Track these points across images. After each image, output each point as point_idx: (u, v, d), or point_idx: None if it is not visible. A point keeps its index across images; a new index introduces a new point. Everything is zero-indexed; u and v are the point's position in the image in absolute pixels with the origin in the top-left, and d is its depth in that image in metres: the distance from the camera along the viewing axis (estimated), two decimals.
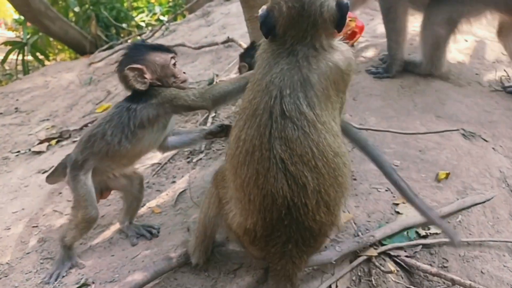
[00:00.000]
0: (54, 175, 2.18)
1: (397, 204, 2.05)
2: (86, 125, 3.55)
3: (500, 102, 2.66)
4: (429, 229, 1.95)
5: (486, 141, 2.40)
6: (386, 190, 2.14)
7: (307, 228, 1.41)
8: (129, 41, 6.23)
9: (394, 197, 2.10)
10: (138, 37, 6.28)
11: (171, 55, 1.93)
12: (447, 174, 2.18)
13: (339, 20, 1.43)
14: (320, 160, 1.36)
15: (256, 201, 1.40)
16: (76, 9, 7.91)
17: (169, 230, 2.06)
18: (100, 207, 2.33)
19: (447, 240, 1.88)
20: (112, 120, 1.91)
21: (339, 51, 1.46)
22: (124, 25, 8.38)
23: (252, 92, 1.46)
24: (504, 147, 2.36)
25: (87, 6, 7.86)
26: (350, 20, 1.79)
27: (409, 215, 1.98)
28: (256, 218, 1.42)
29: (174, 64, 1.93)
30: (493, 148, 2.36)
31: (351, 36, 1.69)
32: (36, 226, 2.30)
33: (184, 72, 1.98)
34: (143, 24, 8.86)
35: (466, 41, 3.21)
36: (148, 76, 1.86)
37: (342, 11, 1.43)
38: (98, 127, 1.93)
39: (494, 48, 3.16)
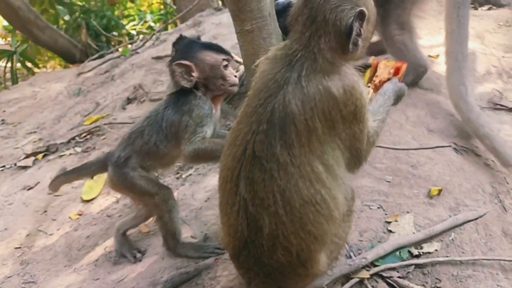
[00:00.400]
0: (84, 172, 2.07)
1: (389, 222, 2.02)
2: (73, 138, 3.49)
3: (492, 116, 2.65)
4: (421, 248, 1.91)
5: (478, 155, 2.38)
6: (378, 208, 2.10)
7: (266, 264, 1.35)
8: (119, 49, 6.18)
9: (386, 214, 2.07)
10: (129, 46, 6.23)
11: (223, 56, 1.88)
12: (440, 190, 2.15)
13: (348, 30, 1.24)
14: (281, 208, 1.26)
15: (225, 226, 1.41)
16: (66, 17, 7.84)
17: (157, 251, 2.00)
18: (86, 227, 2.28)
19: (440, 259, 1.86)
20: (150, 117, 1.88)
21: (339, 74, 1.27)
22: (115, 33, 8.33)
23: (243, 111, 1.37)
24: (496, 162, 2.34)
25: (77, 14, 7.81)
26: (387, 61, 1.77)
27: (402, 234, 1.95)
28: (227, 239, 1.42)
29: (226, 66, 1.88)
30: (485, 163, 2.34)
31: (396, 73, 1.67)
32: (19, 248, 2.23)
33: (235, 76, 1.92)
34: (134, 32, 8.83)
35: None
36: (195, 74, 1.82)
37: (355, 21, 1.24)
38: (139, 124, 1.91)
39: (484, 60, 3.16)
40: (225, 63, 1.88)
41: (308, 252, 1.35)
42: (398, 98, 1.70)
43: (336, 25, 1.26)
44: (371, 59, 1.83)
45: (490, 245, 1.98)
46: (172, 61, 1.85)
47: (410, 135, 2.49)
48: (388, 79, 1.72)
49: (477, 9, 4.02)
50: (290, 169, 1.25)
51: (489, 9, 3.99)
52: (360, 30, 1.27)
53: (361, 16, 1.26)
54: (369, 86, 1.75)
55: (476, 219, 2.05)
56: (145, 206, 2.01)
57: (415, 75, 2.82)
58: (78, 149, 3.25)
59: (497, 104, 2.71)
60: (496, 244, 1.99)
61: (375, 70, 1.77)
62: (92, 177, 2.13)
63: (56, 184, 2.14)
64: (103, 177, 2.40)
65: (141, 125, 1.91)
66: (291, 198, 1.26)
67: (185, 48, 1.89)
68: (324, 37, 1.27)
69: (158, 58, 4.38)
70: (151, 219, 2.24)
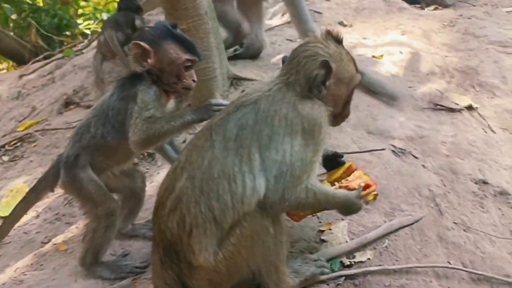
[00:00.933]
0: (42, 187, 1.89)
1: (322, 231, 1.93)
2: (3, 146, 3.23)
3: (432, 116, 2.63)
4: (353, 257, 1.83)
5: (416, 157, 2.34)
6: (313, 215, 2.01)
7: (163, 232, 1.41)
8: (74, 48, 5.87)
9: (320, 222, 1.98)
10: (82, 44, 5.92)
11: (189, 56, 1.70)
12: (375, 196, 2.08)
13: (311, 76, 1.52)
14: (201, 172, 1.38)
15: None
16: (14, 16, 7.42)
17: (71, 272, 1.82)
18: None
19: (371, 269, 1.78)
20: (96, 108, 1.76)
21: (311, 101, 1.51)
22: (68, 33, 7.98)
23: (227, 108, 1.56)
24: (434, 163, 2.31)
25: (26, 13, 7.40)
26: (364, 174, 1.77)
27: (334, 243, 1.86)
28: None
29: (187, 67, 1.72)
30: (422, 165, 2.29)
31: (364, 188, 1.67)
32: None
33: (194, 80, 1.76)
34: (88, 31, 8.47)
35: (401, 53, 3.18)
36: (151, 61, 1.68)
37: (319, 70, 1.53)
38: (86, 117, 1.79)
39: (428, 59, 3.15)
40: (187, 63, 1.71)
41: (201, 231, 1.36)
42: (348, 209, 1.66)
43: (306, 71, 1.54)
44: (349, 163, 1.84)
45: (425, 251, 1.92)
46: (134, 38, 1.73)
47: (350, 138, 2.42)
48: (353, 190, 1.67)
49: (423, 9, 4.04)
50: (230, 145, 1.41)
51: (435, 9, 4.03)
52: (325, 80, 1.53)
53: (324, 67, 1.51)
54: (334, 184, 1.76)
55: (411, 224, 1.99)
56: (85, 214, 1.84)
57: (234, 37, 3.16)
58: (6, 158, 3.00)
59: (438, 104, 2.69)
60: (431, 250, 1.93)
61: (349, 174, 1.77)
62: (53, 190, 1.90)
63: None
64: (21, 192, 2.20)
65: (87, 118, 1.77)
66: (215, 167, 1.38)
67: (155, 30, 1.73)
68: (301, 78, 1.54)
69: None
70: (64, 235, 2.07)
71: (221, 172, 1.37)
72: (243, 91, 2.89)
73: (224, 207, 1.36)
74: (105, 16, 9.08)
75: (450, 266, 1.86)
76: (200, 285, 1.43)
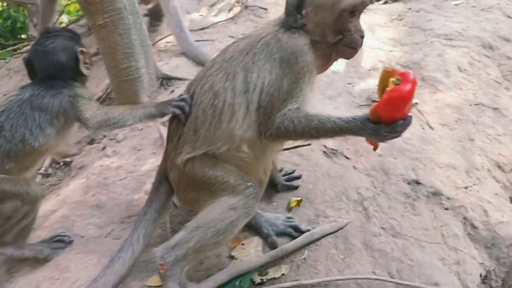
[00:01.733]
0: None
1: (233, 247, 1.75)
2: None
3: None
4: (267, 273, 1.66)
5: (348, 158, 2.18)
6: None
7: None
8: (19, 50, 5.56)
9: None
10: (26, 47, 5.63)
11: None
12: (299, 201, 1.92)
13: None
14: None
15: None
16: None
17: None
18: None
19: (285, 285, 1.61)
20: (9, 110, 1.64)
21: (291, 34, 1.56)
22: (23, 36, 7.65)
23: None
24: (366, 164, 2.16)
25: None
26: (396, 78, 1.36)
27: (246, 259, 1.69)
28: None
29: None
30: (353, 167, 2.14)
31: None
32: None
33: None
34: None
35: None
36: (88, 60, 1.85)
37: None
38: None
39: (371, 55, 3.02)
40: None
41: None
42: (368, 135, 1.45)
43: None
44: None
45: (348, 261, 1.77)
46: (68, 45, 1.80)
47: None
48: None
49: (373, 3, 3.91)
50: (224, 65, 1.58)
51: (385, 3, 3.90)
52: (298, 7, 1.55)
53: None
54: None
55: (334, 232, 1.83)
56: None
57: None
58: None
59: (375, 101, 2.54)
60: (356, 259, 1.78)
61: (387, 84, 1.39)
62: None
63: None
64: None
65: None
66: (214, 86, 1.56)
67: (69, 33, 1.89)
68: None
69: None
70: None
71: (211, 87, 1.56)
72: (172, 91, 2.71)
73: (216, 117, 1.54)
74: (65, 18, 8.79)
75: (373, 277, 1.71)
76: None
